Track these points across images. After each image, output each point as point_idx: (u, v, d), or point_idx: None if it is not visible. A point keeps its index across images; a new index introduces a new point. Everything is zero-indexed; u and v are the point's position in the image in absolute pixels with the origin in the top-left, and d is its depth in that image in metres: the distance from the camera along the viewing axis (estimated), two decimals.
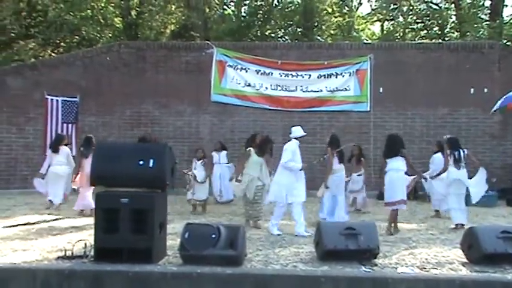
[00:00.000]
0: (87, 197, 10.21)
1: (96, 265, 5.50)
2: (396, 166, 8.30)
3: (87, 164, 9.28)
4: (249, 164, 8.89)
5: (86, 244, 5.88)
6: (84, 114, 15.04)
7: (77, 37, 23.62)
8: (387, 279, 5.21)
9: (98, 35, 23.38)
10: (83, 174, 10.31)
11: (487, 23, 23.47)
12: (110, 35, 24.08)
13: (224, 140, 14.13)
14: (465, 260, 5.90)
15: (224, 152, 12.93)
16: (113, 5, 24.16)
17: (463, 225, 8.47)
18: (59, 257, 5.87)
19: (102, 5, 23.68)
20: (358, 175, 11.12)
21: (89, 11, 23.05)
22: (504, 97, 11.47)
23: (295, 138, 8.42)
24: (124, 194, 5.69)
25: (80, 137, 14.43)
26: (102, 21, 23.42)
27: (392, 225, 8.26)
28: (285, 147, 8.32)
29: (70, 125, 14.69)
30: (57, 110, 14.49)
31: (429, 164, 11.18)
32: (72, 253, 5.85)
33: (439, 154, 10.70)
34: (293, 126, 8.73)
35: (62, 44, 23.83)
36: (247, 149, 9.10)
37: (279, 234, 7.83)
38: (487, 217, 10.32)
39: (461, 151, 8.95)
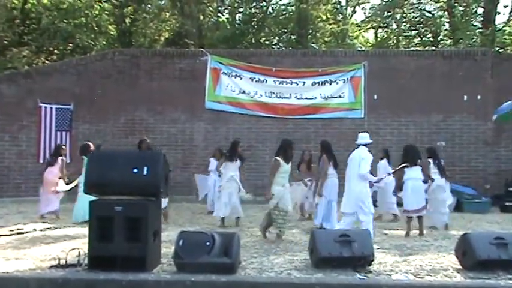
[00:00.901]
0: (52, 201, 10.62)
1: (90, 273, 5.47)
2: (415, 175, 8.84)
3: (50, 170, 10.81)
4: (280, 173, 8.09)
5: (79, 252, 5.84)
6: (78, 122, 15.02)
7: (70, 45, 23.63)
8: (382, 286, 5.20)
9: (92, 43, 23.38)
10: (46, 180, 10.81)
11: (480, 30, 23.64)
12: (104, 42, 24.08)
13: (219, 148, 14.10)
14: (459, 267, 5.91)
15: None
16: (107, 12, 24.18)
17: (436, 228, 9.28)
18: (52, 266, 5.82)
19: (96, 12, 23.70)
20: (309, 180, 10.51)
21: (82, 18, 23.06)
22: (506, 104, 11.12)
23: (364, 145, 8.06)
24: (118, 202, 5.66)
25: (75, 144, 14.42)
26: (96, 28, 23.45)
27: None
28: (362, 156, 7.86)
29: (64, 133, 14.67)
30: (50, 118, 14.47)
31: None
32: (66, 261, 5.80)
33: (384, 161, 11.05)
34: (360, 132, 8.33)
35: (55, 51, 23.84)
36: (275, 159, 8.21)
37: None
38: (480, 223, 10.36)
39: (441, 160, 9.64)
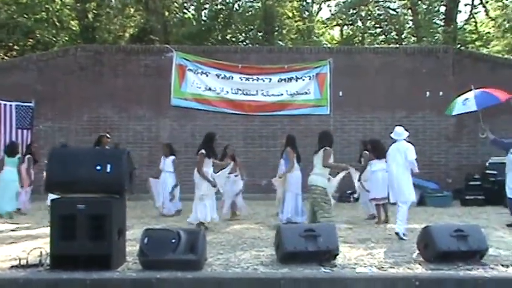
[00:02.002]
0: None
1: (52, 273, 5.36)
2: (382, 167, 9.35)
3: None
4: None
5: (41, 252, 5.72)
6: (40, 119, 14.70)
7: (31, 40, 23.04)
8: (346, 280, 5.28)
9: (53, 38, 22.87)
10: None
11: (442, 28, 24.20)
12: (66, 38, 23.59)
13: (185, 145, 14.04)
14: (421, 259, 6.04)
15: (171, 158, 11.37)
16: (68, 7, 23.68)
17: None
18: (13, 266, 5.68)
19: (57, 7, 23.17)
20: (236, 176, 10.52)
21: (43, 13, 22.52)
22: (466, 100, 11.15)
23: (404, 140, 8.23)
24: (80, 200, 5.57)
25: (37, 142, 14.11)
26: (57, 24, 22.94)
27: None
28: (406, 146, 8.08)
29: (25, 131, 14.30)
30: (10, 116, 14.07)
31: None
32: (27, 262, 5.67)
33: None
34: (397, 126, 8.47)
35: (15, 47, 23.21)
36: (325, 149, 7.96)
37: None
38: (442, 217, 10.61)
39: None
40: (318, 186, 7.91)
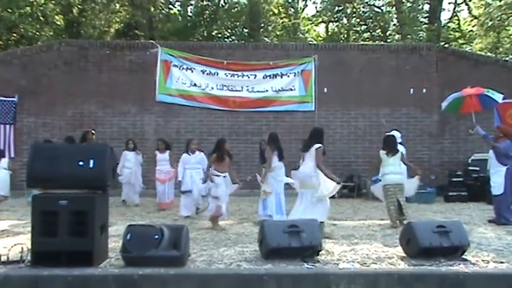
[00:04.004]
0: None
1: (33, 270, 5.31)
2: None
3: None
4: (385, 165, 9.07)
5: (22, 248, 5.66)
6: (23, 115, 14.56)
7: (14, 35, 22.76)
8: (329, 275, 5.30)
9: (38, 33, 22.59)
10: None
11: (426, 26, 24.38)
12: (51, 33, 23.33)
13: (170, 141, 13.97)
14: (404, 255, 6.09)
15: (167, 152, 11.78)
16: (53, 2, 23.39)
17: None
18: None
19: (42, 1, 22.89)
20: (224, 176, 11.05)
21: (27, 7, 22.24)
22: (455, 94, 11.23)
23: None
24: (62, 196, 5.52)
25: (19, 138, 13.96)
26: (42, 18, 22.67)
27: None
28: (401, 149, 9.42)
29: (8, 126, 14.17)
30: None
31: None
32: (8, 258, 5.61)
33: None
34: (393, 130, 9.72)
35: None
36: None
37: None
38: (425, 213, 10.71)
39: None
40: (400, 185, 8.91)
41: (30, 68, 14.93)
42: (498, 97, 10.24)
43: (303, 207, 7.85)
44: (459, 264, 5.66)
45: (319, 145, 7.90)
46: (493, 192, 9.39)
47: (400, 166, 9.05)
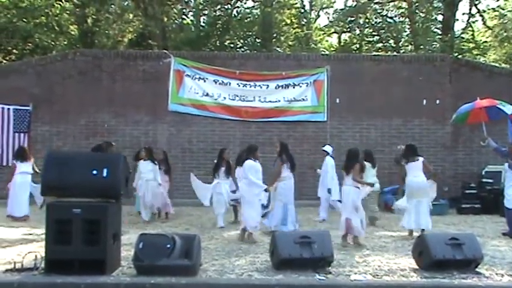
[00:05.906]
0: None
1: (46, 277, 5.36)
2: None
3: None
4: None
5: (36, 256, 5.72)
6: (37, 123, 14.69)
7: (30, 44, 23.03)
8: (340, 287, 5.29)
9: (52, 43, 22.87)
10: None
11: (439, 37, 24.29)
12: (65, 42, 23.60)
13: (182, 150, 14.05)
14: (416, 267, 6.04)
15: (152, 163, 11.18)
16: (68, 12, 23.70)
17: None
18: (7, 270, 5.69)
19: (57, 12, 23.19)
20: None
21: (42, 17, 22.53)
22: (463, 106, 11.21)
23: None
24: (76, 205, 5.58)
25: (34, 147, 14.09)
26: (56, 28, 22.94)
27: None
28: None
29: (22, 135, 14.31)
30: (8, 119, 14.13)
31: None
32: (22, 265, 5.67)
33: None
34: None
35: (14, 51, 23.19)
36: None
37: None
38: (438, 225, 10.60)
39: None
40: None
41: (44, 77, 15.10)
42: (509, 109, 10.12)
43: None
44: (472, 277, 5.61)
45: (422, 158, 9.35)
46: (506, 205, 9.29)
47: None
